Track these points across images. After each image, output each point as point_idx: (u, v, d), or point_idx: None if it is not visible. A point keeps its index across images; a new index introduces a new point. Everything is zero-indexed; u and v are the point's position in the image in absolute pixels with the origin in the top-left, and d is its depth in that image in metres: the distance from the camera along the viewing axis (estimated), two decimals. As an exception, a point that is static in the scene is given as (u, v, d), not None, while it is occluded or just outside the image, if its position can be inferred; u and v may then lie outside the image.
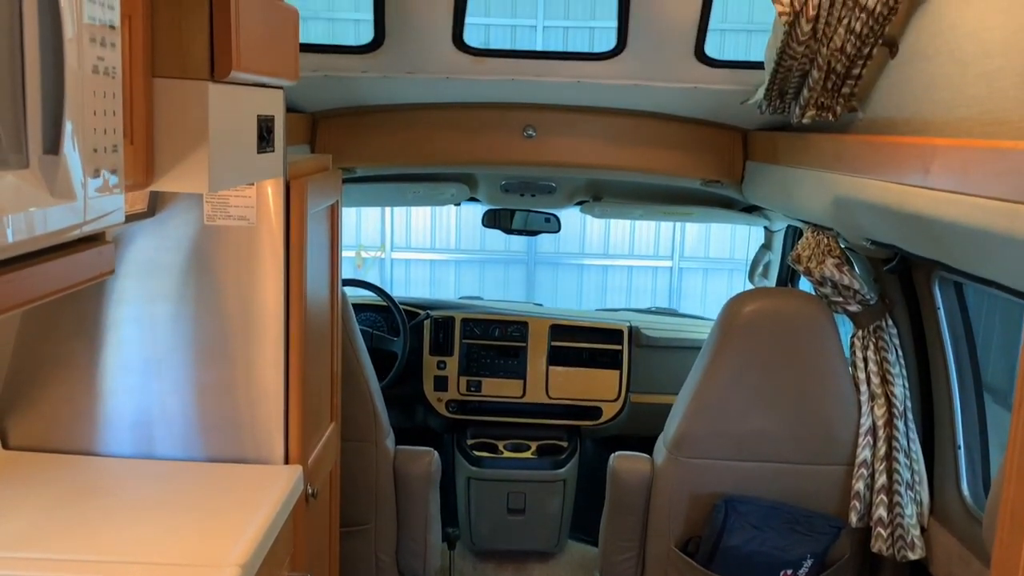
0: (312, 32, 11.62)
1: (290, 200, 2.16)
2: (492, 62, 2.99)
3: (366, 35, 2.89)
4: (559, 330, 4.10)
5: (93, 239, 1.33)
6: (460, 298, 4.88)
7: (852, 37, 2.16)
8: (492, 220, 4.19)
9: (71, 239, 1.24)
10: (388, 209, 12.82)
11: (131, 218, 2.04)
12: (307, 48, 2.77)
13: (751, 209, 3.77)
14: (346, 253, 12.57)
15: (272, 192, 2.14)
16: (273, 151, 1.98)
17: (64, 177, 1.15)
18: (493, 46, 10.87)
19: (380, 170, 3.54)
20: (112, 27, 1.26)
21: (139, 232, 2.15)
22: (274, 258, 2.16)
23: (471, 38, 2.91)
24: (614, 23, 2.86)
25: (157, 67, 1.58)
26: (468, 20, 2.83)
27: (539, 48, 12.15)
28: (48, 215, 1.15)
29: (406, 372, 3.94)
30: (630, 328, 4.12)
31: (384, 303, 3.95)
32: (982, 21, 1.74)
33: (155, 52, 1.57)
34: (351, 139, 3.35)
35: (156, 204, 2.15)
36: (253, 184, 2.11)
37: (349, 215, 11.92)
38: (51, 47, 1.11)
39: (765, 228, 4.03)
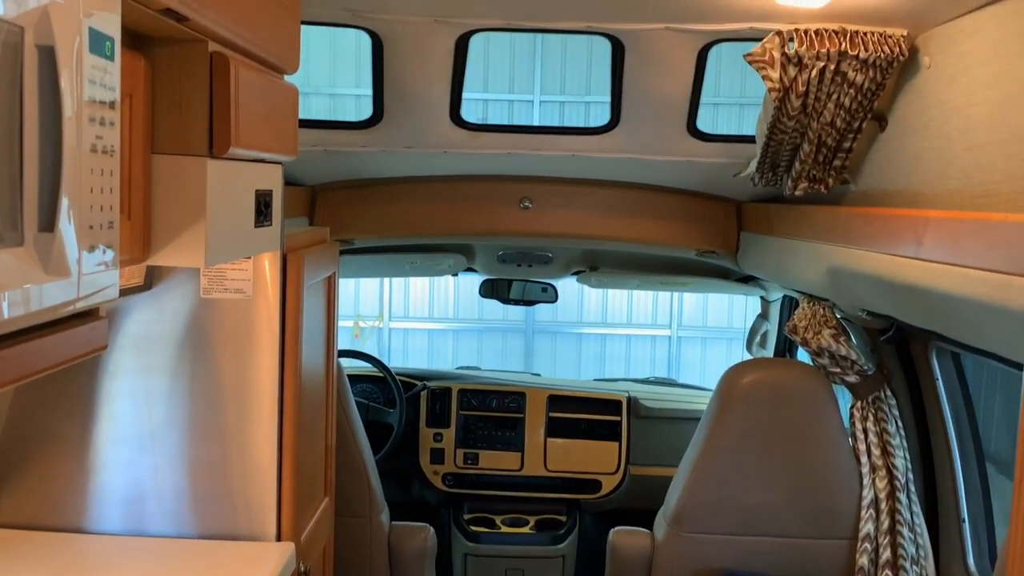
0: (314, 107, 11.84)
1: (287, 273, 2.16)
2: (489, 137, 3.03)
3: (367, 110, 2.94)
4: (557, 401, 4.07)
5: (87, 315, 1.33)
6: (458, 368, 4.85)
7: (841, 112, 2.21)
8: (490, 290, 4.20)
9: (65, 315, 1.24)
10: (387, 279, 12.87)
11: (127, 291, 2.04)
12: (308, 124, 2.81)
13: (747, 279, 3.78)
14: (344, 323, 12.60)
15: (269, 265, 2.15)
16: (271, 225, 1.99)
17: (59, 254, 1.15)
18: (491, 120, 11.05)
19: (378, 242, 3.56)
20: (112, 106, 1.28)
21: (135, 305, 2.15)
22: (270, 331, 2.16)
23: (468, 112, 2.96)
24: (609, 98, 2.92)
25: (157, 144, 1.59)
26: (466, 95, 2.88)
27: (536, 122, 12.36)
28: (43, 291, 1.14)
29: (402, 444, 3.89)
30: (629, 399, 4.09)
31: (380, 374, 3.93)
32: (968, 97, 1.78)
33: (155, 129, 1.59)
34: (350, 211, 3.38)
35: (153, 277, 2.16)
36: (250, 257, 2.12)
37: (347, 285, 11.96)
38: (50, 126, 1.12)
39: (761, 298, 4.03)
